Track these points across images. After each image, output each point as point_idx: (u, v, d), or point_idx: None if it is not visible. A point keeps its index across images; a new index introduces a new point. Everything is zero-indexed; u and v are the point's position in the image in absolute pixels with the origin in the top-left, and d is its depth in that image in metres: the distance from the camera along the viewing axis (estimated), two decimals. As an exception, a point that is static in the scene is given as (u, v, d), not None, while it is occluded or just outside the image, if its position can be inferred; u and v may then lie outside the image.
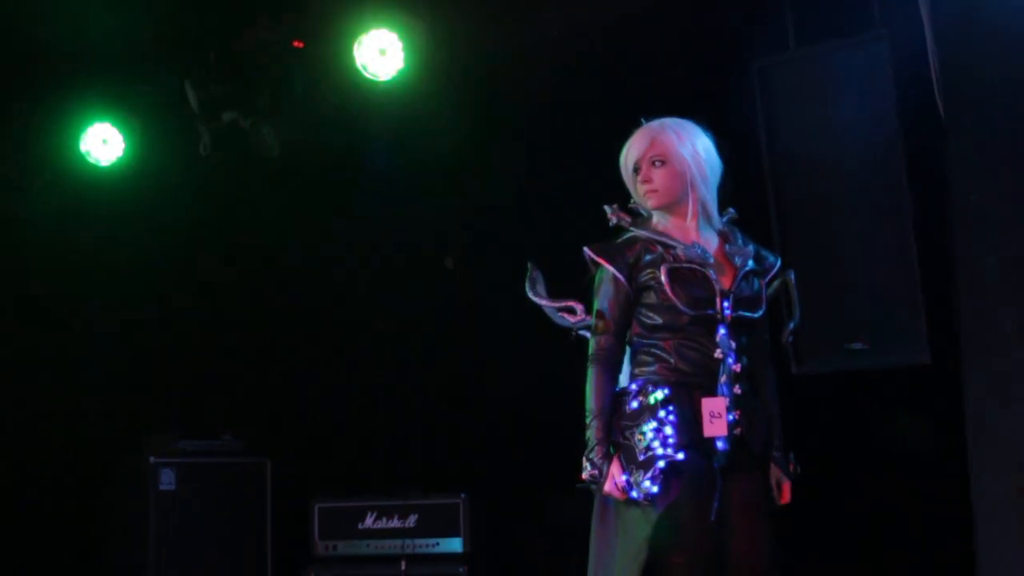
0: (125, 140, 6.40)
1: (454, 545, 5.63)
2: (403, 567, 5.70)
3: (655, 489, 3.11)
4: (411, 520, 5.77)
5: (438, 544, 5.68)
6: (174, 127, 6.40)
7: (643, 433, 3.21)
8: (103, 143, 6.42)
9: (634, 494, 3.14)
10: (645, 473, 3.15)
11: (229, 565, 6.21)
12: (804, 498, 3.45)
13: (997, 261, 3.90)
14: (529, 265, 3.54)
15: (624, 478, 3.16)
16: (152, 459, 5.99)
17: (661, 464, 3.12)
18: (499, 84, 5.90)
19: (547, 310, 3.51)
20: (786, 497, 3.38)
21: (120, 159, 6.44)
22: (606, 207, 3.41)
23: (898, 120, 4.43)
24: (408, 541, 5.78)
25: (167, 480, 6.02)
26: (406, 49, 5.53)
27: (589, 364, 3.35)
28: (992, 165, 3.92)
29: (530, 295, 3.54)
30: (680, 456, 3.11)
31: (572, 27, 5.56)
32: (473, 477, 5.89)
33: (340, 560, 5.93)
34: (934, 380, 4.23)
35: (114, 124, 6.41)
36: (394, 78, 5.64)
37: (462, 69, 5.74)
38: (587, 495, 3.38)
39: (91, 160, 6.46)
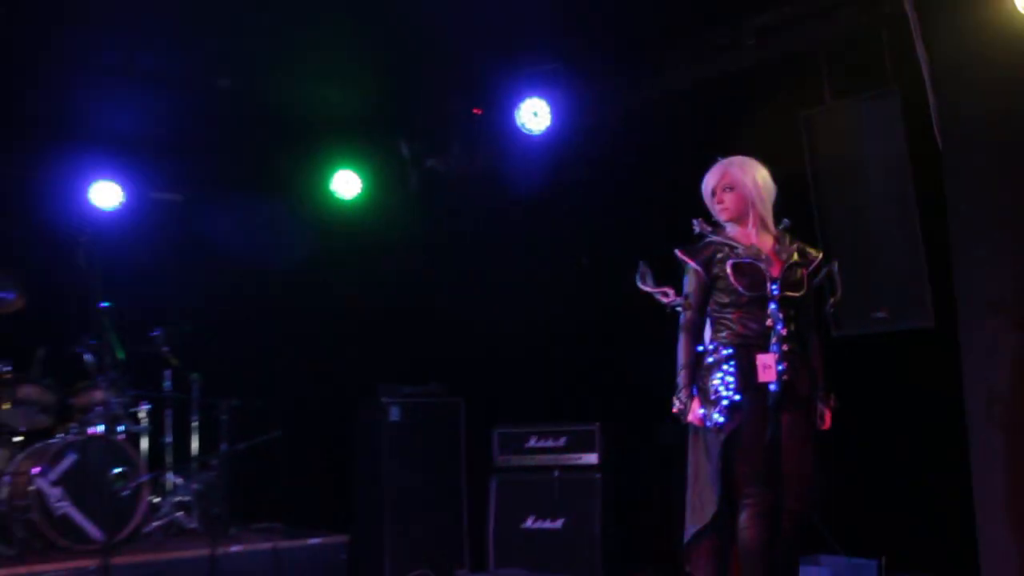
0: (362, 180, 6.98)
1: (591, 459, 5.88)
2: (556, 474, 5.96)
3: (721, 420, 3.52)
4: (561, 441, 6.01)
5: (580, 458, 5.93)
6: (393, 170, 6.95)
7: (713, 380, 3.60)
8: (346, 183, 6.97)
9: (708, 424, 3.56)
10: (714, 408, 3.55)
11: (436, 473, 6.43)
12: (840, 426, 3.76)
13: (984, 252, 4.11)
14: (640, 264, 3.93)
15: (701, 412, 3.58)
16: (384, 399, 6.31)
17: (725, 402, 3.52)
18: (612, 138, 6.04)
19: (656, 295, 3.86)
20: (827, 424, 3.69)
21: (359, 195, 7.01)
22: (694, 221, 3.81)
23: (908, 148, 4.63)
24: (559, 456, 6.02)
25: (395, 414, 6.30)
26: (552, 112, 5.89)
27: (680, 332, 3.75)
28: (975, 183, 4.16)
29: (638, 284, 3.91)
30: (737, 397, 3.51)
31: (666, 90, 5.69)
32: (604, 410, 6.03)
33: (512, 469, 6.17)
34: (938, 339, 4.43)
35: (354, 169, 6.97)
36: (544, 133, 5.96)
37: (593, 126, 6.04)
38: (683, 424, 3.77)
39: (338, 196, 7.02)
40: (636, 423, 5.86)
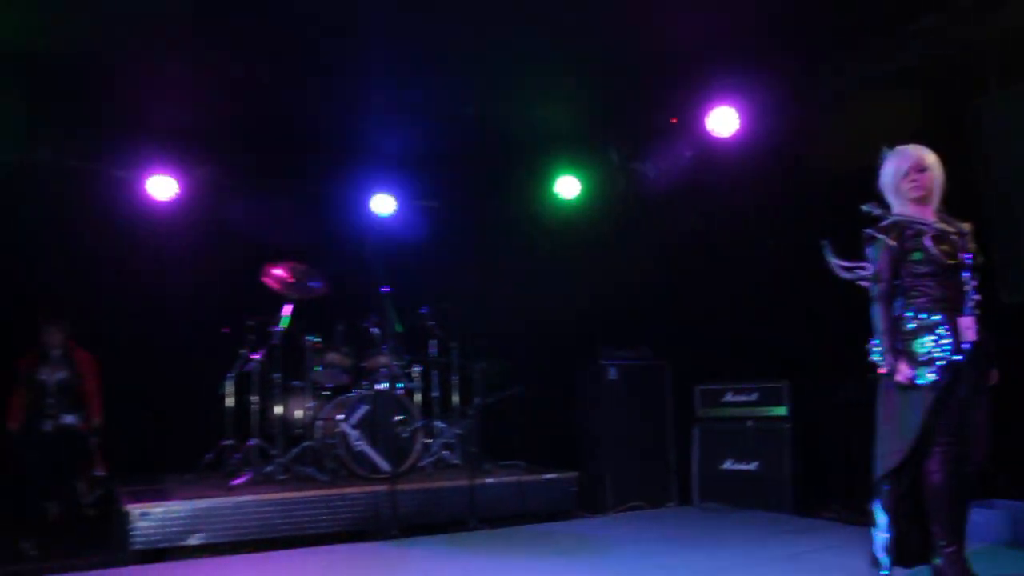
0: (581, 183, 7.23)
1: (781, 411, 5.91)
2: (750, 424, 6.03)
3: (934, 378, 3.35)
4: (754, 396, 6.08)
5: (771, 411, 5.97)
6: (605, 173, 7.12)
7: (925, 343, 3.40)
8: (568, 186, 7.22)
9: (919, 382, 3.36)
10: (928, 368, 3.37)
11: (646, 422, 6.56)
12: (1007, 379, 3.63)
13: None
14: (825, 243, 3.81)
15: (911, 372, 3.38)
16: (603, 361, 6.51)
17: (942, 362, 3.36)
18: (791, 136, 5.85)
19: (837, 269, 3.75)
20: (995, 379, 3.55)
21: (578, 196, 7.27)
22: (866, 206, 3.64)
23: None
24: (752, 408, 6.08)
25: (612, 374, 6.51)
26: (740, 118, 5.97)
27: (874, 302, 3.54)
28: None
29: (830, 261, 3.78)
30: (957, 357, 3.36)
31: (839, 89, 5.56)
32: (792, 368, 5.97)
33: (711, 420, 6.30)
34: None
35: (574, 174, 7.21)
36: (733, 137, 6.03)
37: (773, 131, 6.00)
38: (867, 382, 3.63)
39: (561, 197, 7.31)
40: (822, 379, 5.76)
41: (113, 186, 6.80)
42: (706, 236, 6.69)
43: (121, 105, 6.02)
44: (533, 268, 7.48)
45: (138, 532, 4.91)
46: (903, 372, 3.40)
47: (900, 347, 3.46)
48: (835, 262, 3.77)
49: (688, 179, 6.57)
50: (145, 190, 6.82)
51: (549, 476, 6.26)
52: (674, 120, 6.38)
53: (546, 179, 7.31)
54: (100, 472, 5.93)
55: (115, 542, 5.22)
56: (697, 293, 6.69)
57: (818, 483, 5.86)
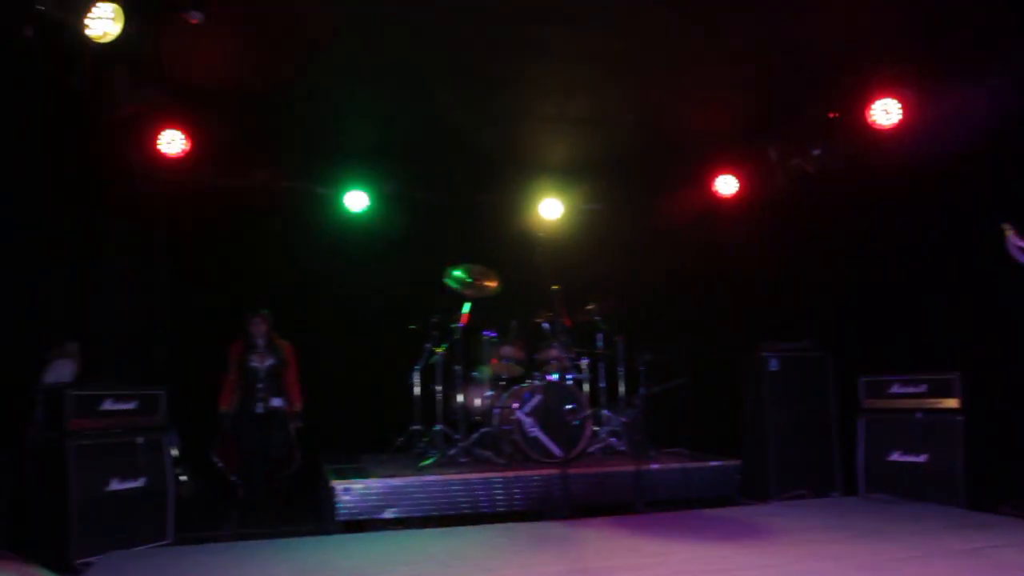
0: (739, 180, 7.01)
1: (952, 403, 5.52)
2: (918, 415, 5.66)
3: None
4: (922, 387, 5.70)
5: (940, 402, 5.58)
6: (765, 172, 6.84)
7: None
8: (726, 184, 7.07)
9: None
10: None
11: (809, 413, 6.29)
12: None
13: None
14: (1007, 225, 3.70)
15: None
16: (764, 353, 6.30)
17: None
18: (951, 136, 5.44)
19: (1017, 253, 3.67)
20: None
21: (738, 192, 7.09)
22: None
23: None
24: (921, 400, 5.68)
25: (774, 365, 6.27)
26: (902, 109, 5.67)
27: None
28: None
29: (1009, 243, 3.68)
30: None
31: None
32: (962, 358, 5.56)
33: (878, 411, 5.94)
34: None
35: (733, 173, 7.06)
36: (895, 128, 5.72)
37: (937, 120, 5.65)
38: None
39: (720, 195, 7.17)
40: (992, 371, 5.36)
41: (315, 201, 7.33)
42: (870, 227, 6.31)
43: (319, 131, 6.47)
44: (695, 264, 7.35)
45: (342, 505, 5.24)
46: None
47: None
48: (1016, 245, 3.62)
49: (849, 172, 6.24)
50: (342, 203, 7.32)
51: (713, 463, 6.13)
52: (834, 115, 6.06)
53: (705, 178, 7.14)
54: (296, 454, 6.23)
55: (322, 514, 5.61)
56: (862, 284, 6.37)
57: (994, 477, 5.39)
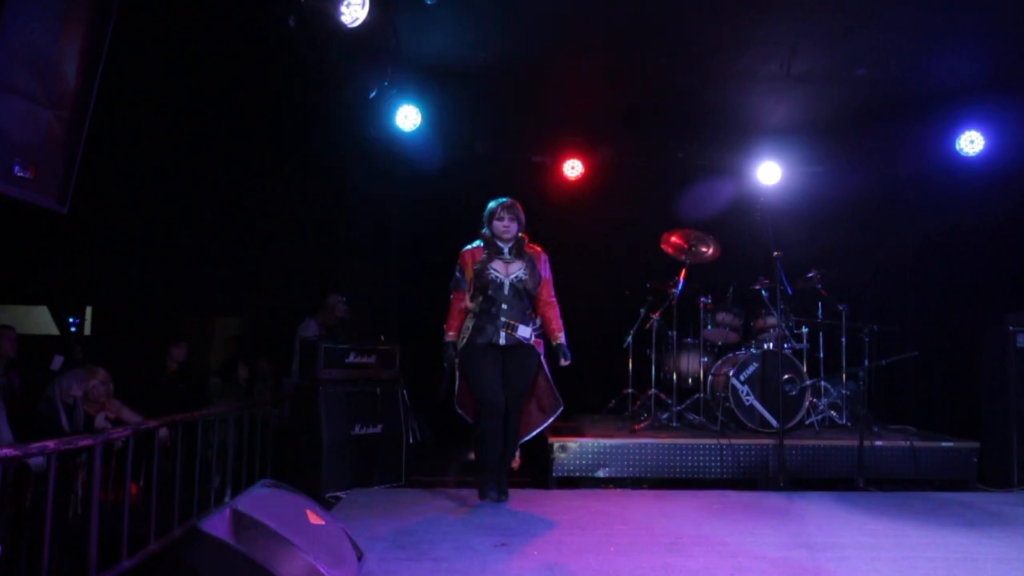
0: (986, 138, 6.35)
1: None
2: None
3: None
4: None
5: None
6: (1017, 125, 6.10)
7: None
8: (971, 142, 6.41)
9: None
10: None
11: None
12: None
13: None
14: None
15: None
16: (1011, 327, 5.64)
17: None
18: None
19: None
20: None
21: (983, 151, 6.41)
22: None
23: None
24: None
25: (1021, 341, 5.59)
26: None
27: None
28: None
29: None
30: None
31: None
32: None
33: None
34: None
35: (980, 129, 6.38)
36: None
37: None
38: None
39: (963, 154, 6.48)
40: None
41: (532, 170, 7.48)
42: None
43: (538, 102, 6.57)
44: (929, 231, 6.77)
45: (558, 462, 5.41)
46: None
47: None
48: None
49: None
50: (561, 171, 7.40)
51: (946, 444, 5.65)
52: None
53: (945, 136, 6.51)
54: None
55: (537, 469, 5.80)
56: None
57: None
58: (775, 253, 5.73)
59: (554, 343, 4.68)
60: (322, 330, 6.21)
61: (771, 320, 6.31)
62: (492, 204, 4.65)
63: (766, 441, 5.49)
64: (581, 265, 7.29)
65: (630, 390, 6.65)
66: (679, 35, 5.62)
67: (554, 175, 7.44)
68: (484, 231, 4.66)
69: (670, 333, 6.47)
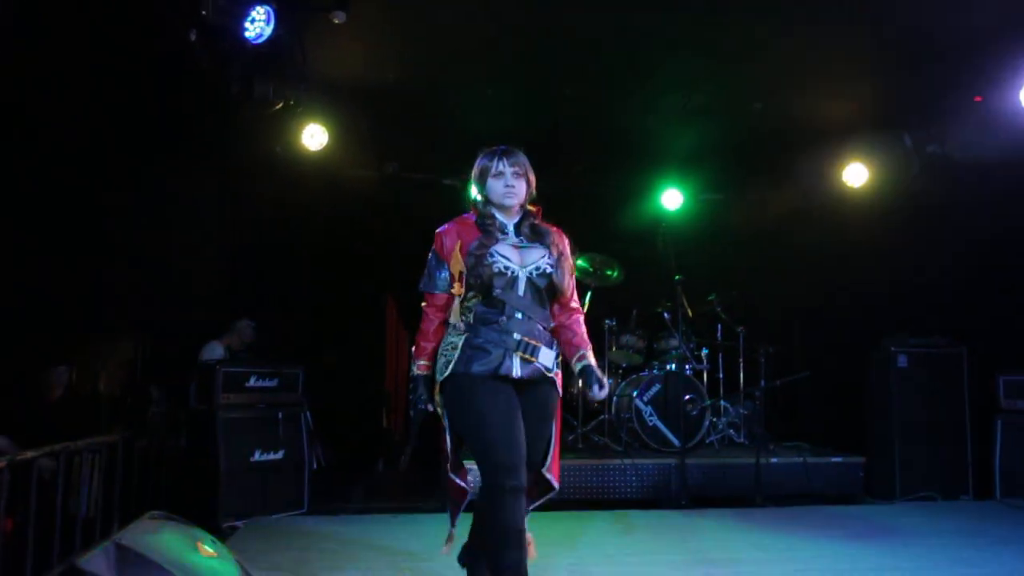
0: (870, 170, 6.51)
1: None
2: None
3: None
4: None
5: None
6: (897, 159, 6.30)
7: None
8: (855, 174, 6.54)
9: None
10: None
11: (940, 411, 5.84)
12: None
13: None
14: None
15: None
16: (892, 348, 5.86)
17: None
18: None
19: None
20: None
21: (868, 183, 6.55)
22: None
23: None
24: None
25: (902, 361, 5.88)
26: None
27: None
28: None
29: None
30: None
31: None
32: None
33: (1018, 412, 5.54)
34: None
35: (862, 161, 6.53)
36: None
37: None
38: None
39: (849, 186, 6.58)
40: None
41: (443, 192, 7.41)
42: (1011, 217, 5.81)
43: (447, 125, 6.54)
44: (820, 256, 7.03)
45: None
46: None
47: None
48: None
49: (994, 159, 5.76)
50: (468, 193, 7.33)
51: (836, 459, 5.86)
52: (978, 98, 5.60)
53: (833, 168, 6.74)
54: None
55: (445, 492, 5.68)
56: (1004, 278, 5.92)
57: None
58: (676, 277, 5.86)
59: (579, 365, 2.98)
60: (227, 354, 5.99)
61: (673, 342, 6.43)
62: (483, 158, 3.05)
63: (669, 460, 5.57)
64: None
65: (537, 412, 6.62)
66: (584, 68, 5.70)
67: (464, 199, 7.38)
68: (475, 200, 3.05)
69: (578, 355, 6.49)
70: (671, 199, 7.37)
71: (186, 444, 5.33)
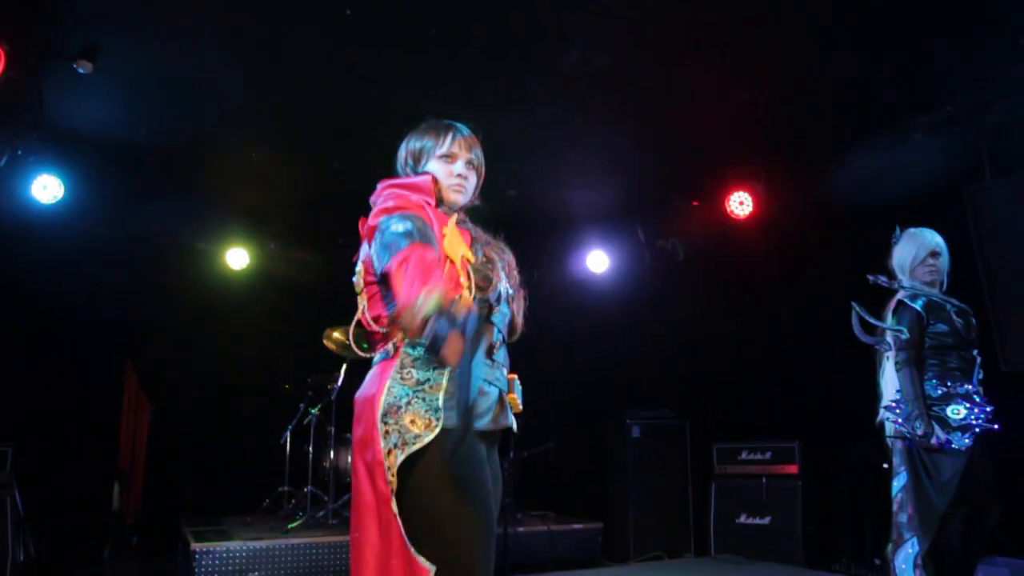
0: (610, 257, 7.02)
1: (792, 469, 5.74)
2: (763, 480, 5.81)
3: (968, 443, 3.20)
4: (767, 455, 5.88)
5: (783, 468, 5.77)
6: (632, 249, 6.95)
7: (960, 410, 3.23)
8: (597, 261, 7.03)
9: (954, 446, 3.19)
10: (963, 434, 3.20)
11: (668, 477, 6.29)
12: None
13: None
14: (856, 307, 3.43)
15: (944, 436, 3.19)
16: (628, 421, 6.31)
17: (978, 430, 3.21)
18: (799, 219, 5.84)
19: (859, 333, 3.39)
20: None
21: (608, 269, 7.06)
22: (875, 277, 3.48)
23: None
24: (766, 466, 5.86)
25: (636, 432, 6.31)
26: (754, 201, 5.88)
27: (902, 367, 3.32)
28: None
29: (855, 321, 3.42)
30: (994, 427, 3.23)
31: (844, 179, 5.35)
32: (802, 430, 5.78)
33: (728, 476, 6.04)
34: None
35: (603, 250, 7.03)
36: (749, 217, 5.86)
37: (783, 214, 5.98)
38: (875, 443, 3.49)
39: (592, 270, 7.08)
40: (828, 441, 5.61)
41: (197, 256, 7.05)
42: (724, 306, 6.53)
43: (205, 187, 6.26)
44: (564, 335, 7.31)
45: (201, 569, 4.93)
46: (936, 436, 3.20)
47: (934, 413, 3.25)
48: (862, 323, 3.47)
49: (708, 255, 6.50)
50: (224, 260, 7.08)
51: (577, 526, 6.14)
52: (696, 203, 6.33)
53: (579, 253, 7.24)
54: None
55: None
56: (719, 358, 6.55)
57: (828, 538, 5.65)
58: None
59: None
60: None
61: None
62: (423, 136, 2.28)
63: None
64: (241, 354, 6.96)
65: (286, 488, 6.33)
66: (349, 144, 5.70)
67: (219, 264, 7.08)
68: (409, 181, 2.19)
69: (329, 428, 6.30)
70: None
71: None
